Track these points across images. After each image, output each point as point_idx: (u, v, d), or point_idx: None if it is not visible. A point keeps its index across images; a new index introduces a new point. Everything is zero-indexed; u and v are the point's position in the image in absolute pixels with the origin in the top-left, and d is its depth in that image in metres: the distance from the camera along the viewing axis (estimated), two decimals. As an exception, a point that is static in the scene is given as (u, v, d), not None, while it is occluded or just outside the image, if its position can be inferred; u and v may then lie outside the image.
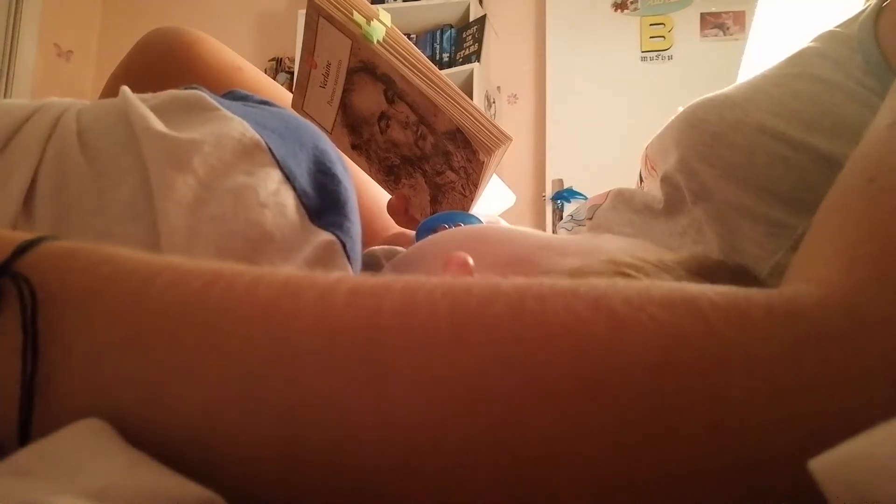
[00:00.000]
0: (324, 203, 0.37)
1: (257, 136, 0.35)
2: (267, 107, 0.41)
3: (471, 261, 0.28)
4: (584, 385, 0.16)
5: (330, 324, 0.17)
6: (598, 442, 0.16)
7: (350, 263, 0.37)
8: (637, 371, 0.16)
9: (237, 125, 0.35)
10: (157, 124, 0.33)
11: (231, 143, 0.33)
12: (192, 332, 0.18)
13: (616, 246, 0.31)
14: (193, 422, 0.17)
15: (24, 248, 0.19)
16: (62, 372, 0.18)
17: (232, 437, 0.17)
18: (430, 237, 0.43)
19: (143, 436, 0.17)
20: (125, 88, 0.36)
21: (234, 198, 0.32)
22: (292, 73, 2.70)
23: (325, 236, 0.36)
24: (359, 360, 0.17)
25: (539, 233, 0.39)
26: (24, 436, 0.18)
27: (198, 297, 0.18)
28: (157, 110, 0.34)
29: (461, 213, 0.53)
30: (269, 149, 0.35)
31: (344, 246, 0.37)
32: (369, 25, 0.51)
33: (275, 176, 0.34)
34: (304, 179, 0.36)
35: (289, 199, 0.35)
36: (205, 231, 0.31)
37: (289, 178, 0.35)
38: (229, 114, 0.35)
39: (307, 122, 0.41)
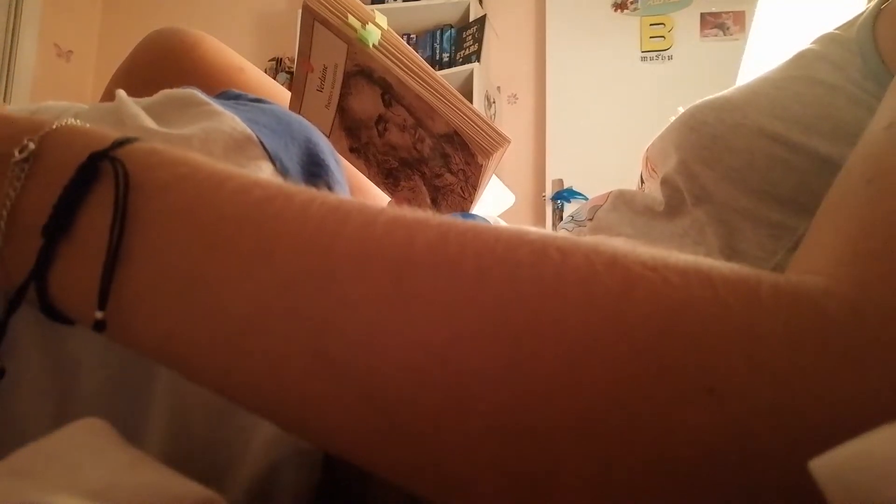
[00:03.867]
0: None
1: (248, 129, 0.35)
2: (259, 104, 0.41)
3: None
4: (590, 333, 0.17)
5: (367, 249, 0.19)
6: (596, 391, 0.16)
7: None
8: (642, 327, 0.17)
9: (228, 119, 0.35)
10: (148, 121, 0.33)
11: (222, 136, 0.33)
12: (249, 234, 0.20)
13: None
14: (237, 319, 0.19)
15: (121, 143, 0.22)
16: (139, 251, 0.20)
17: (269, 335, 0.18)
18: None
19: (188, 330, 0.19)
20: (119, 91, 0.36)
21: None
22: (292, 73, 2.70)
23: None
24: (387, 283, 0.18)
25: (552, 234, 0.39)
26: (103, 302, 0.20)
27: (259, 204, 0.20)
28: (151, 109, 0.35)
29: (473, 215, 0.53)
30: (261, 142, 0.35)
31: None
32: (364, 29, 0.51)
33: (266, 169, 0.34)
34: (295, 172, 0.36)
35: None
36: None
37: (280, 171, 0.35)
38: (220, 108, 0.35)
39: (299, 117, 0.41)
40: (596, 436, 0.16)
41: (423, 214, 0.20)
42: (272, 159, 0.35)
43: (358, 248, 0.19)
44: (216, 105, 0.36)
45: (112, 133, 0.23)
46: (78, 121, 0.24)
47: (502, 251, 0.18)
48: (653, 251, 0.19)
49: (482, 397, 0.17)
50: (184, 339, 0.20)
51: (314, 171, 0.37)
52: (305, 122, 0.41)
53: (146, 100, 0.36)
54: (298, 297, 0.18)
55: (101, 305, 0.20)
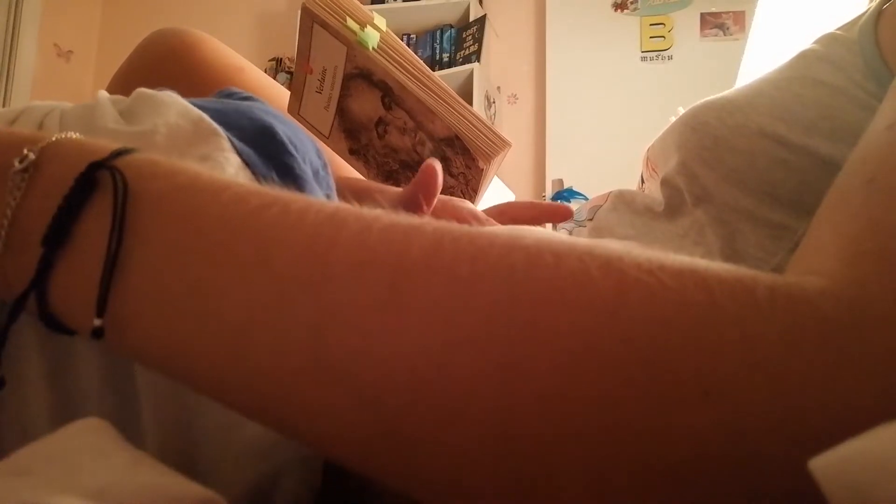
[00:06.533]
0: (286, 186, 0.37)
1: (213, 123, 0.34)
2: (247, 101, 0.40)
3: None
4: (585, 337, 0.17)
5: (362, 256, 0.19)
6: (590, 395, 0.16)
7: None
8: (637, 331, 0.17)
9: (194, 112, 0.34)
10: (110, 122, 0.33)
11: (186, 129, 0.33)
12: (246, 244, 0.20)
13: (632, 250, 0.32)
14: (233, 326, 0.19)
15: (119, 153, 0.23)
16: (137, 260, 0.21)
17: (266, 343, 0.19)
18: None
19: (184, 337, 0.20)
20: (101, 92, 0.36)
21: None
22: (292, 74, 2.70)
23: None
24: (383, 290, 0.18)
25: (555, 234, 0.39)
26: (101, 309, 0.20)
27: (255, 213, 0.21)
28: (126, 109, 0.35)
29: None
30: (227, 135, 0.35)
31: None
32: (363, 31, 0.51)
33: (233, 160, 0.34)
34: (263, 164, 0.36)
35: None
36: None
37: (247, 162, 0.35)
38: (186, 102, 0.35)
39: (274, 110, 0.41)
40: (591, 439, 0.16)
41: (418, 220, 0.20)
42: (238, 151, 0.35)
43: (354, 256, 0.19)
44: (186, 101, 0.35)
45: (111, 144, 0.23)
46: (78, 134, 0.24)
47: (497, 256, 0.18)
48: (648, 253, 0.19)
49: (477, 402, 0.17)
50: (179, 347, 0.20)
51: (285, 160, 0.37)
52: (270, 108, 0.40)
53: (125, 101, 0.36)
54: (294, 305, 0.19)
55: (100, 312, 0.20)
